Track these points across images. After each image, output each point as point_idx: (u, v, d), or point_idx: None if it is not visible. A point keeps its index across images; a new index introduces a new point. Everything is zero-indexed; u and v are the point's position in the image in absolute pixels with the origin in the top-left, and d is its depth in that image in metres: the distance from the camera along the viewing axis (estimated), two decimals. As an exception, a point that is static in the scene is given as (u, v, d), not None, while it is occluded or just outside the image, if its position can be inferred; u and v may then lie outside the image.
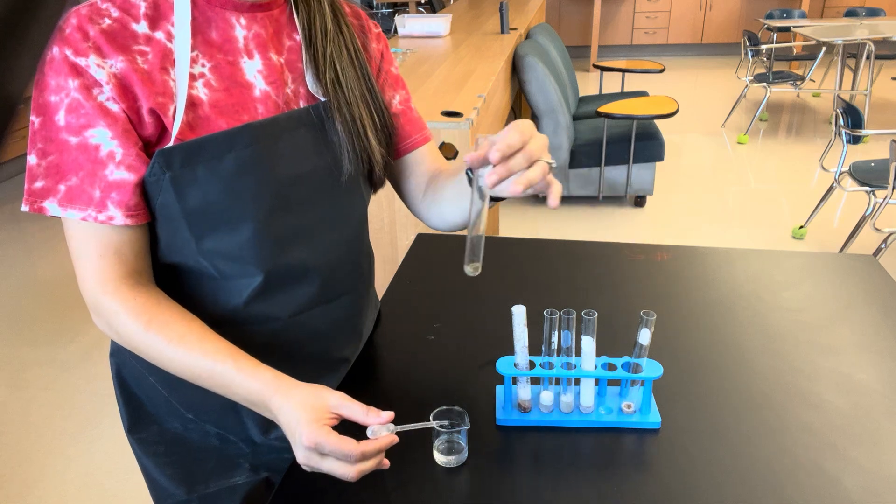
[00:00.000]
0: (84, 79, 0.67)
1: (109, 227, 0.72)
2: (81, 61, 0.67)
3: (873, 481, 0.76)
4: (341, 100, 0.80)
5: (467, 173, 0.80)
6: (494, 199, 0.77)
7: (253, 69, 0.76)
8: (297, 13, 0.80)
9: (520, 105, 4.24)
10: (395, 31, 3.67)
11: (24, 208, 0.70)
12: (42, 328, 2.84)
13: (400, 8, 6.96)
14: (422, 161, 0.94)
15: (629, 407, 0.87)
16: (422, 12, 6.03)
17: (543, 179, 0.69)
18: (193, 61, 0.72)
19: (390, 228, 2.16)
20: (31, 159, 0.69)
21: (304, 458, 0.68)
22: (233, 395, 0.74)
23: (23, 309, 2.98)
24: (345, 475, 0.67)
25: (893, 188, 2.73)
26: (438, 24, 3.53)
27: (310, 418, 0.67)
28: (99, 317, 0.75)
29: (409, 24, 3.55)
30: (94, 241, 0.72)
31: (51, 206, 0.70)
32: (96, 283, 0.73)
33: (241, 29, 0.75)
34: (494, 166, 0.66)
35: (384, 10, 7.17)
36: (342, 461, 0.67)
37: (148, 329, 0.73)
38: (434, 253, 1.32)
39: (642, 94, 4.34)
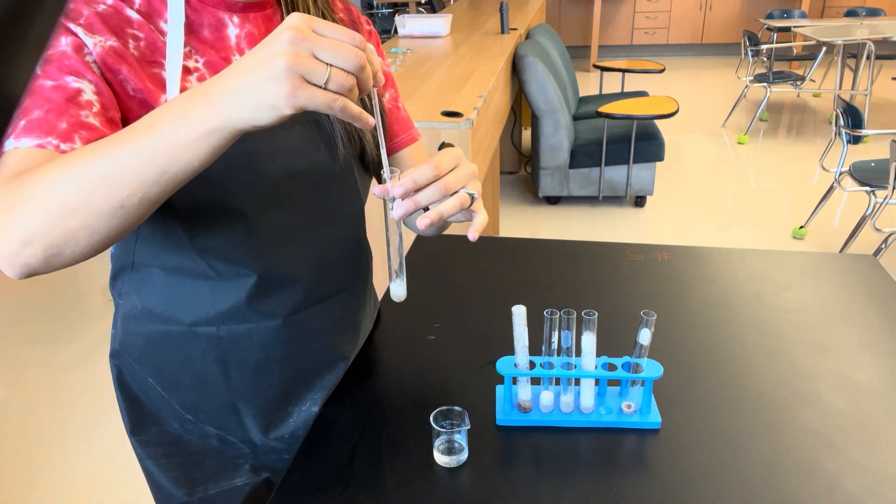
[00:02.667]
0: (76, 39, 0.65)
1: None
2: (72, 26, 0.65)
3: (873, 481, 0.76)
4: None
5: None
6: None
7: None
8: (285, 5, 0.80)
9: (520, 105, 4.24)
10: (395, 31, 3.67)
11: None
12: (42, 328, 2.84)
13: (400, 8, 6.96)
14: (408, 161, 0.94)
15: (629, 407, 0.86)
16: (422, 12, 6.02)
17: (461, 211, 0.69)
18: (187, 56, 0.71)
19: (390, 228, 2.15)
20: None
21: (292, 35, 0.51)
22: (161, 134, 0.54)
23: (23, 309, 2.98)
24: (347, 57, 0.53)
25: (893, 188, 2.73)
26: (438, 24, 3.53)
27: None
28: None
29: (409, 24, 3.54)
30: (34, 164, 0.58)
31: (7, 145, 0.60)
32: None
33: (233, 28, 0.75)
34: (402, 200, 0.66)
35: (384, 10, 7.17)
36: (344, 40, 0.54)
37: (11, 180, 0.57)
38: (434, 253, 1.32)
39: (642, 94, 4.34)
